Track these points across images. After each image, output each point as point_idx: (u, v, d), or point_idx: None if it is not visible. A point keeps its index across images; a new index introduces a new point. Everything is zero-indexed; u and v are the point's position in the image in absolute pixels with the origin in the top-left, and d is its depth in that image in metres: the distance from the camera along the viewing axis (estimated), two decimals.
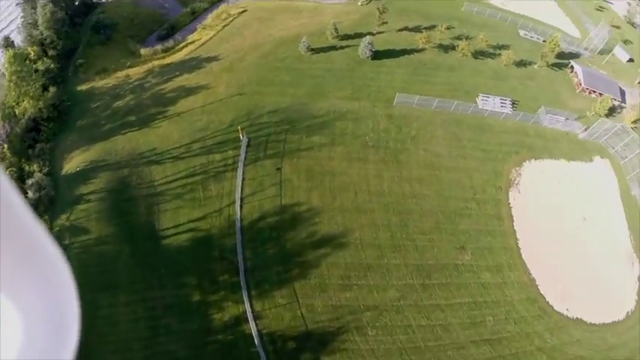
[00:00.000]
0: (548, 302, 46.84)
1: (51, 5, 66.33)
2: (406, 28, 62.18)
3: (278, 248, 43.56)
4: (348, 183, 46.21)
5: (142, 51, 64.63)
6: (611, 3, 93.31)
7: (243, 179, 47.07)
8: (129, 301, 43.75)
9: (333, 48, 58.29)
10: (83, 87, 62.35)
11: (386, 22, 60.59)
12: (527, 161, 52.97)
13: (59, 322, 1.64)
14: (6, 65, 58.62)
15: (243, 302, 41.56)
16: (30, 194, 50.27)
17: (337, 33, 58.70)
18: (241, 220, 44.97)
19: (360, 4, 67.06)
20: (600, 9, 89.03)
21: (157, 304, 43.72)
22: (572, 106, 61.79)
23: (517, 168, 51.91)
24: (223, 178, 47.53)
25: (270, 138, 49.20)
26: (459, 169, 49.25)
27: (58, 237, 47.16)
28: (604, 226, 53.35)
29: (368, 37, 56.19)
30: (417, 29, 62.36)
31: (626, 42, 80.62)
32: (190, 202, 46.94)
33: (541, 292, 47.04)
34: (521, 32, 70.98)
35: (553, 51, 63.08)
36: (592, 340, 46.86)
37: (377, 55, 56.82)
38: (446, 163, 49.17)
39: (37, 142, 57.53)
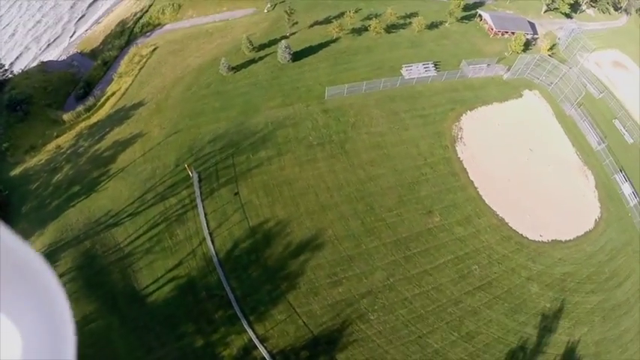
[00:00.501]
0: (522, 235, 50.43)
1: None
2: (317, 23, 63.94)
3: (261, 269, 44.52)
4: (305, 187, 47.61)
5: (65, 117, 63.12)
6: None
7: (206, 214, 47.53)
8: None
9: (252, 61, 59.20)
10: (16, 171, 60.37)
11: (296, 23, 62.06)
12: (463, 115, 56.18)
13: (54, 335, 1.69)
14: None
15: (245, 331, 42.34)
16: None
17: (252, 45, 59.61)
18: (217, 253, 45.54)
19: (265, 11, 68.10)
20: None
21: None
22: (490, 52, 65.77)
23: (456, 123, 54.99)
24: (186, 219, 47.78)
25: (218, 166, 49.77)
26: (404, 141, 51.68)
27: None
28: (551, 150, 57.63)
29: (283, 41, 57.44)
30: (327, 21, 64.24)
31: None
32: (161, 252, 46.94)
33: (513, 228, 50.52)
34: None
35: (459, 6, 66.62)
36: (572, 255, 51.01)
37: (296, 57, 58.25)
38: (390, 139, 51.45)
39: None
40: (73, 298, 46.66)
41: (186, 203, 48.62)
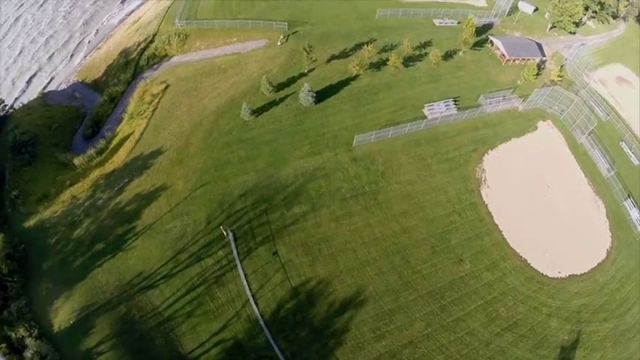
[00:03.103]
0: (542, 274, 54.84)
1: None
2: (334, 57, 65.03)
3: (307, 328, 47.23)
4: (343, 243, 50.19)
5: (75, 161, 62.81)
6: None
7: (246, 275, 49.58)
8: None
9: (273, 103, 60.23)
10: (30, 222, 60.16)
11: (315, 60, 63.03)
12: (485, 155, 59.48)
13: None
14: None
15: None
16: None
17: (272, 86, 60.44)
18: (262, 315, 47.93)
19: (279, 43, 68.44)
20: None
21: None
22: (505, 80, 68.79)
23: (480, 165, 58.28)
24: (226, 281, 49.71)
25: (252, 224, 51.55)
26: (433, 188, 54.68)
27: None
28: (566, 184, 61.80)
29: (306, 84, 58.59)
30: (344, 55, 65.40)
31: None
32: (204, 316, 48.88)
33: (535, 268, 54.87)
34: (437, 22, 76.27)
35: (471, 34, 68.92)
36: (587, 287, 56.01)
37: (318, 98, 59.60)
38: (419, 187, 54.36)
39: (8, 300, 55.86)
40: None
41: (223, 264, 50.44)
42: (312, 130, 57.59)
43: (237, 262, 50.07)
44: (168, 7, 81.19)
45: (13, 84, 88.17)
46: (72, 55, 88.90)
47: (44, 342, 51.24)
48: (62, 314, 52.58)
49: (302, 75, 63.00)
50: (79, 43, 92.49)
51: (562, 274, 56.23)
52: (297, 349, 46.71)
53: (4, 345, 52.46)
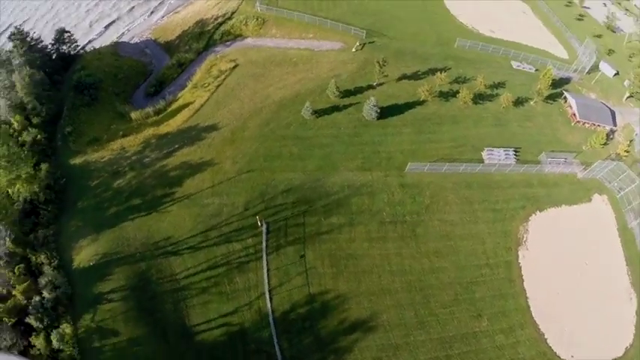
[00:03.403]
0: (555, 352, 53.30)
1: (27, 68, 64.78)
2: (405, 77, 64.79)
3: (312, 337, 47.58)
4: (371, 265, 50.16)
5: (133, 114, 64.77)
6: (587, 8, 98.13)
7: (269, 270, 50.22)
8: None
9: (336, 108, 60.50)
10: (76, 160, 62.51)
11: (386, 75, 62.96)
12: (532, 215, 58.19)
13: None
14: None
15: None
16: (45, 294, 51.80)
17: (339, 91, 60.70)
18: (273, 312, 48.55)
19: (354, 50, 68.63)
20: (581, 17, 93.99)
21: None
22: (571, 142, 67.02)
23: (524, 224, 57.09)
24: (247, 269, 50.50)
25: (288, 222, 52.09)
26: (472, 235, 53.93)
27: (86, 339, 49.68)
28: (604, 266, 59.83)
29: (372, 98, 58.61)
30: (415, 76, 65.06)
31: (609, 52, 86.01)
32: (218, 295, 49.85)
33: (549, 344, 53.37)
34: (514, 64, 74.87)
35: (547, 86, 67.42)
36: None
37: (382, 114, 59.54)
38: (460, 231, 53.70)
39: (38, 225, 58.17)
40: (123, 317, 49.81)
41: (250, 252, 51.21)
42: (369, 145, 57.59)
43: (264, 254, 50.73)
44: None
45: (90, 26, 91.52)
46: (152, 12, 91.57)
47: (60, 274, 53.34)
48: (84, 254, 54.48)
49: (370, 87, 63.02)
50: (160, 3, 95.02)
51: (575, 358, 54.66)
52: (297, 353, 47.10)
53: (22, 265, 54.82)
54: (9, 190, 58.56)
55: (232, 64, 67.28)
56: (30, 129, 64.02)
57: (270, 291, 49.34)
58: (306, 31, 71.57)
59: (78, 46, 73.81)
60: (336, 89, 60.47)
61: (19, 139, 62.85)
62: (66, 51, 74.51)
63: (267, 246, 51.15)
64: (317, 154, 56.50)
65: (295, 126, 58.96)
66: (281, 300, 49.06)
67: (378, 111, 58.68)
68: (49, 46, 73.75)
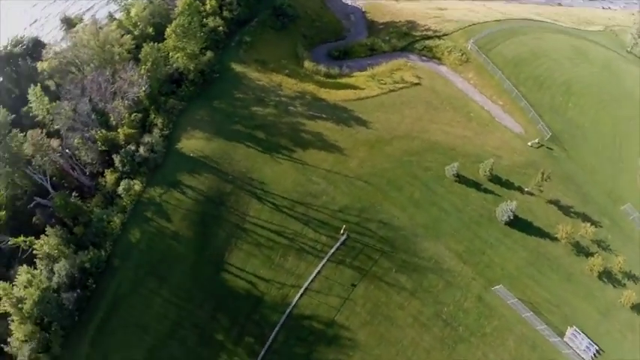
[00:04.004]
0: None
1: None
2: (556, 203, 60.93)
3: (305, 351, 48.58)
4: (398, 340, 49.14)
5: (306, 64, 67.46)
6: None
7: (319, 272, 50.94)
8: (170, 301, 50.71)
9: (477, 186, 58.71)
10: (237, 68, 66.66)
11: (542, 190, 59.85)
12: None
13: None
14: (179, 9, 62.89)
15: None
16: (141, 151, 56.52)
17: (490, 173, 58.75)
18: (294, 307, 49.65)
19: (529, 144, 65.58)
20: None
21: (186, 323, 49.95)
22: None
23: None
24: (303, 258, 51.78)
25: (364, 249, 52.34)
26: None
27: (143, 205, 54.38)
28: None
29: (514, 202, 56.11)
30: (566, 211, 61.02)
31: None
32: (265, 258, 51.89)
33: None
34: None
35: None
36: None
37: (512, 222, 56.83)
38: None
39: (172, 94, 63.02)
40: (183, 212, 54.17)
41: (317, 247, 52.26)
42: (481, 240, 55.39)
43: (326, 258, 51.52)
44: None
45: None
46: None
47: (163, 144, 57.86)
48: (192, 143, 58.88)
49: (519, 189, 60.14)
50: None
51: None
52: (283, 352, 48.23)
53: (140, 115, 60.25)
54: (170, 53, 63.39)
55: (416, 80, 67.44)
56: (217, 18, 68.90)
57: (305, 289, 50.13)
58: (498, 94, 69.57)
59: None
60: (489, 170, 58.50)
61: (204, 20, 67.86)
62: None
63: (333, 253, 51.72)
64: (432, 213, 55.56)
65: (432, 174, 58.18)
66: (308, 303, 50.11)
67: (511, 217, 56.08)
68: None
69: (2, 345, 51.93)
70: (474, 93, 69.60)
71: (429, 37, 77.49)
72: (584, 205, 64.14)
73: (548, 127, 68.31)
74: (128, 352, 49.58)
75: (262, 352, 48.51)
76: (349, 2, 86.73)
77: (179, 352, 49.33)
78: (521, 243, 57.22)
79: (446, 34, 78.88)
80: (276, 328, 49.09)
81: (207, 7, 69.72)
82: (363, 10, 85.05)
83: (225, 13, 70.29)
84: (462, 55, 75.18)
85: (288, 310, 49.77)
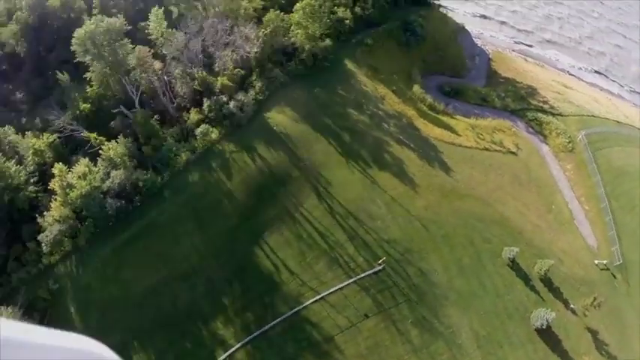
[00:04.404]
0: None
1: None
2: (594, 334, 57.60)
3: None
4: None
5: (415, 88, 67.22)
6: None
7: (341, 289, 51.33)
8: (198, 248, 53.38)
9: (526, 280, 56.64)
10: (349, 65, 67.56)
11: (587, 315, 57.05)
12: None
13: None
14: None
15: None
16: (231, 105, 58.51)
17: (545, 274, 56.55)
18: (302, 308, 50.47)
19: (596, 262, 62.48)
20: None
21: (202, 274, 51.99)
22: None
23: None
24: (331, 267, 52.58)
25: (393, 289, 52.24)
26: None
27: (214, 154, 56.81)
28: None
29: (553, 313, 53.79)
30: (599, 345, 57.60)
31: None
32: (298, 252, 53.19)
33: None
34: None
35: None
36: None
37: (541, 331, 54.55)
38: None
39: (282, 65, 64.47)
40: (241, 177, 56.47)
41: (349, 263, 52.79)
42: (505, 337, 52.82)
43: (353, 277, 51.56)
44: None
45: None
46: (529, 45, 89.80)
47: (252, 107, 59.84)
48: (279, 117, 61.34)
49: (566, 302, 57.52)
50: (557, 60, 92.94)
51: None
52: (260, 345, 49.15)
53: (241, 71, 62.39)
54: (292, 26, 64.50)
55: (513, 149, 65.96)
56: (347, 10, 70.26)
57: (321, 298, 50.77)
58: (588, 197, 66.66)
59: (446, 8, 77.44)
60: (545, 270, 56.20)
61: (335, 7, 68.90)
62: None
63: (362, 277, 51.88)
64: (471, 285, 54.31)
65: (489, 248, 56.64)
66: (317, 311, 50.56)
67: (544, 326, 53.90)
68: None
69: (37, 214, 56.32)
70: (565, 186, 66.91)
71: (543, 111, 75.20)
72: (619, 348, 60.74)
73: (621, 253, 64.75)
74: (139, 273, 52.71)
75: (255, 333, 49.80)
76: (479, 43, 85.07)
77: (183, 295, 52.01)
78: (542, 355, 55.03)
79: (561, 115, 76.33)
80: (279, 319, 50.12)
81: None
82: (490, 56, 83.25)
83: (357, 9, 71.12)
84: (569, 142, 72.37)
85: (297, 308, 50.61)
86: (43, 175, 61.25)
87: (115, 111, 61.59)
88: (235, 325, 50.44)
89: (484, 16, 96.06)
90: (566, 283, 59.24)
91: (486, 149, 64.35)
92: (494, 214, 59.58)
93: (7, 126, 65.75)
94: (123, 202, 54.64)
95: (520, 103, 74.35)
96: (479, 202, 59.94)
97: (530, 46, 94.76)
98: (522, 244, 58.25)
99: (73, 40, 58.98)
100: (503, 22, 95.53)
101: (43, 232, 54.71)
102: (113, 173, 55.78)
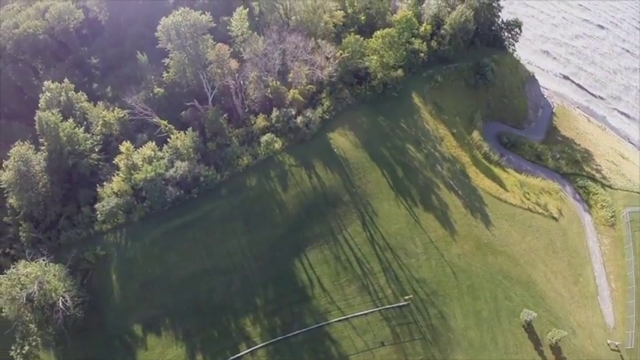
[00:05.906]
0: None
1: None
2: None
3: None
4: None
5: (475, 134, 72.28)
6: None
7: (365, 314, 58.25)
8: (242, 248, 60.76)
9: (536, 344, 62.51)
10: (415, 99, 73.89)
11: None
12: None
13: None
14: (397, 17, 71.48)
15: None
16: (298, 120, 66.01)
17: (556, 343, 61.76)
18: (327, 325, 57.45)
19: (609, 341, 67.40)
20: None
21: (241, 273, 59.66)
22: None
23: None
24: (361, 295, 59.66)
25: (411, 325, 58.99)
26: None
27: (274, 164, 64.27)
28: None
29: None
30: None
31: None
32: (333, 272, 60.23)
33: None
34: None
35: None
36: None
37: None
38: None
39: (352, 86, 70.27)
40: (296, 187, 63.19)
41: (378, 295, 59.82)
42: None
43: (378, 308, 58.00)
44: None
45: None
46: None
47: (320, 122, 66.60)
48: (340, 140, 68.71)
49: None
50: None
51: None
52: None
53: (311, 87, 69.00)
54: (368, 51, 70.74)
55: (556, 214, 71.67)
56: (424, 43, 75.97)
57: (346, 318, 57.47)
58: (618, 276, 71.70)
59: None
60: (557, 339, 61.49)
61: (412, 39, 75.11)
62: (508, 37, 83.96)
63: (387, 308, 58.22)
64: (484, 337, 61.00)
65: (509, 306, 62.99)
66: (339, 330, 57.40)
67: None
68: None
69: (98, 183, 63.73)
70: (598, 260, 72.06)
71: (594, 179, 79.98)
72: None
73: (636, 338, 69.52)
74: (184, 260, 60.75)
75: (279, 337, 57.15)
76: (546, 94, 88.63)
77: (220, 288, 60.07)
78: None
79: (611, 187, 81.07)
80: (303, 329, 57.28)
81: (422, 29, 75.36)
82: (554, 109, 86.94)
83: (433, 43, 76.12)
84: (612, 217, 77.07)
85: (322, 323, 57.82)
86: (107, 145, 69.03)
87: (188, 104, 67.79)
88: (263, 325, 58.10)
89: (566, 77, 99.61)
90: (573, 356, 64.97)
91: (529, 210, 70.03)
92: (521, 275, 65.64)
93: (80, 92, 73.06)
94: (182, 191, 61.93)
95: (573, 167, 78.96)
96: (510, 261, 66.20)
97: (604, 117, 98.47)
98: (542, 309, 64.32)
99: (159, 27, 66.07)
100: (580, 87, 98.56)
101: (100, 200, 62.55)
102: (177, 163, 62.89)
